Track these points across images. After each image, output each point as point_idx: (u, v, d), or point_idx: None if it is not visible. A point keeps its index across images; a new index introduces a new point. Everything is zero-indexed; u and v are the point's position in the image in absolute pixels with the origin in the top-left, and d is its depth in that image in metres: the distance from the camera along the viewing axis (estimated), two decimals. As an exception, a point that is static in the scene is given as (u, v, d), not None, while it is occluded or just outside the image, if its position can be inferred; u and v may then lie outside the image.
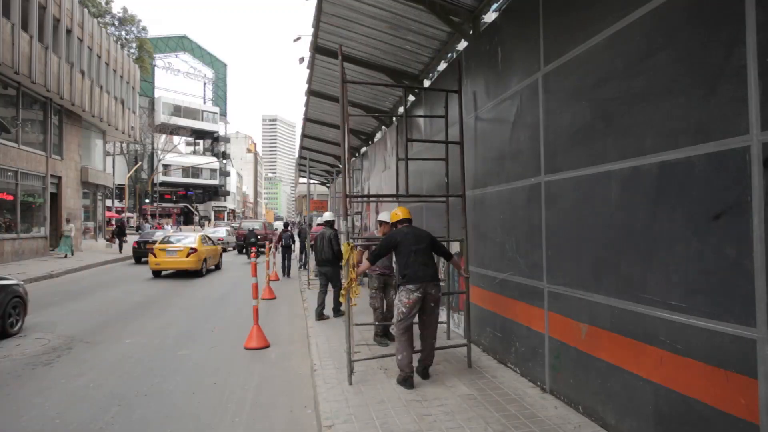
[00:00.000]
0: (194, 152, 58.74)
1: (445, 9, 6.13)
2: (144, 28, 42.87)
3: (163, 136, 48.96)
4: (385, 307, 6.45)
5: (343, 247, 5.00)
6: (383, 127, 12.07)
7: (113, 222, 29.65)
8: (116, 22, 39.10)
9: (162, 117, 50.32)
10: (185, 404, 4.64)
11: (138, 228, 32.03)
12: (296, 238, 18.48)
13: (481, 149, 5.75)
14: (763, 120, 2.43)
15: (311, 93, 11.21)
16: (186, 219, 51.26)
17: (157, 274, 14.69)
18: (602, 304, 3.60)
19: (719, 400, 2.66)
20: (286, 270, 14.64)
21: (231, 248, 26.49)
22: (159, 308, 9.50)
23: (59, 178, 20.23)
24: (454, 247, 6.53)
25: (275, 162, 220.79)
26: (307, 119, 13.84)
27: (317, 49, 8.46)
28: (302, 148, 17.99)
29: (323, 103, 12.02)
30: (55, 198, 20.14)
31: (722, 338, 2.64)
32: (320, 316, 7.86)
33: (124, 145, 41.05)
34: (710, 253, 2.70)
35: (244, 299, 10.34)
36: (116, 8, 38.97)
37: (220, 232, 26.53)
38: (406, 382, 4.62)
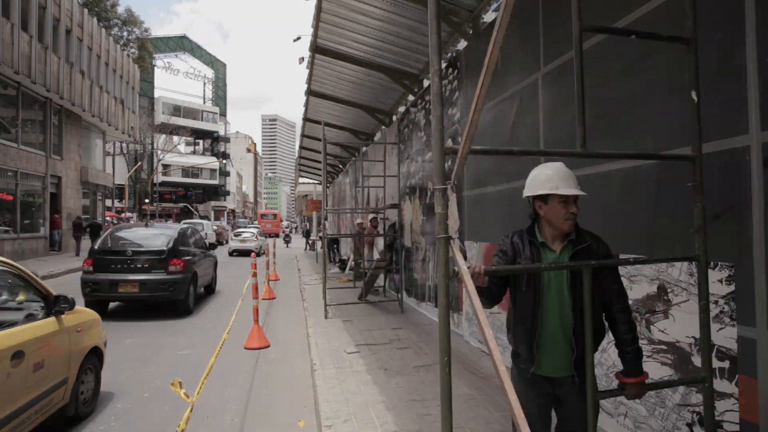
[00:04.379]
0: (194, 152, 58.73)
1: (445, 9, 6.13)
2: (147, 29, 42.92)
3: (163, 136, 48.93)
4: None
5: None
6: (383, 127, 12.07)
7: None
8: (119, 23, 39.11)
9: (162, 117, 50.29)
10: (185, 404, 4.63)
11: None
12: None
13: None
14: (763, 120, 2.42)
15: (311, 93, 11.21)
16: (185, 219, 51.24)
17: None
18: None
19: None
20: None
21: None
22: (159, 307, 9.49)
23: (59, 178, 20.23)
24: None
25: (275, 162, 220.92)
26: (307, 119, 13.85)
27: (317, 49, 8.46)
28: (302, 147, 18.01)
29: (323, 103, 12.03)
30: (55, 198, 20.15)
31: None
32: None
33: (124, 145, 41.04)
34: (710, 252, 2.69)
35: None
36: (119, 10, 38.87)
37: None
38: None
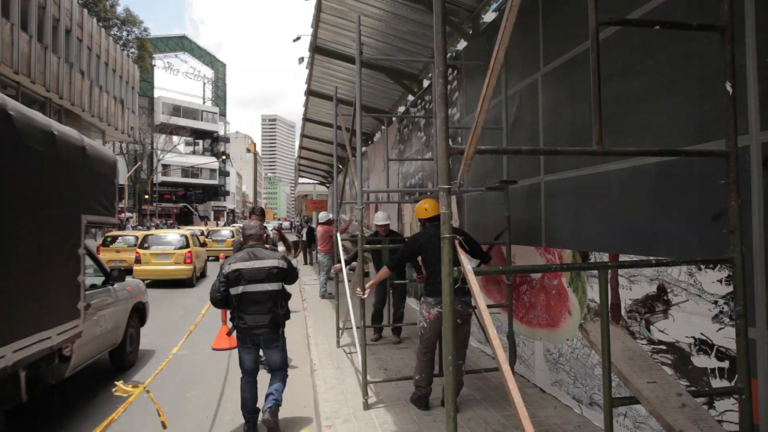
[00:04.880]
0: (194, 152, 58.65)
1: (445, 9, 6.14)
2: (146, 29, 42.92)
3: (163, 136, 48.89)
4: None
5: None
6: (383, 127, 12.07)
7: None
8: (118, 23, 39.09)
9: (161, 117, 50.25)
10: (184, 404, 4.65)
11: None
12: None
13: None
14: (763, 120, 2.43)
15: (310, 93, 11.22)
16: (186, 219, 51.16)
17: None
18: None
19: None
20: None
21: None
22: (158, 305, 9.48)
23: (59, 178, 20.21)
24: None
25: (275, 162, 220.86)
26: (307, 119, 13.86)
27: (317, 49, 8.46)
28: (302, 148, 18.00)
29: (323, 103, 12.03)
30: (55, 198, 20.13)
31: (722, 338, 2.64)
32: None
33: (124, 145, 41.00)
34: (709, 253, 2.70)
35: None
36: (118, 9, 38.83)
37: None
38: (420, 401, 4.05)
